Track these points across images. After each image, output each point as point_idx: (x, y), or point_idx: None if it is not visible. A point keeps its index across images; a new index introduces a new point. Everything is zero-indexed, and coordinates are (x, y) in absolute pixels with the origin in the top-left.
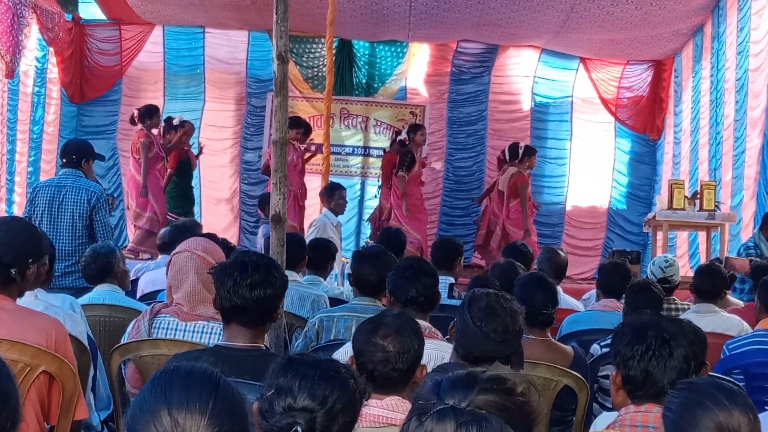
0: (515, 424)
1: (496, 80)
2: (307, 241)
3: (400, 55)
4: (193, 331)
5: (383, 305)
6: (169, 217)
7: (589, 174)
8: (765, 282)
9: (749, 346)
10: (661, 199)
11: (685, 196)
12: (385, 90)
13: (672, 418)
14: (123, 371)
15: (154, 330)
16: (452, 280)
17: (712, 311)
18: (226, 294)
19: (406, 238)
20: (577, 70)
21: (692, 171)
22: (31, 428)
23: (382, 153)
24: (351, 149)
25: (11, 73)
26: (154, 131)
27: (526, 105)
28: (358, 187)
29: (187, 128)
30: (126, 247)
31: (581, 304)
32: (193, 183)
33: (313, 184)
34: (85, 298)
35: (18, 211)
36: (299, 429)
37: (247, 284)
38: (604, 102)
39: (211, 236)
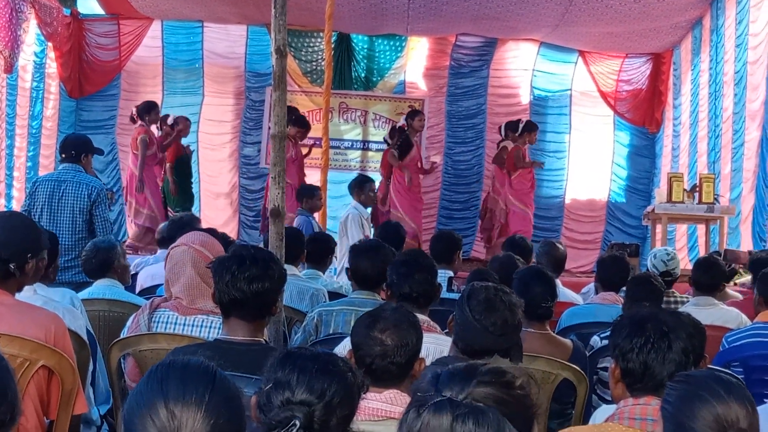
0: (514, 418)
1: (495, 74)
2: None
3: (399, 48)
4: (193, 325)
5: (382, 299)
6: (169, 214)
7: (588, 167)
8: (764, 275)
9: (748, 338)
10: (660, 192)
11: (684, 189)
12: (383, 84)
13: (670, 411)
14: (122, 365)
15: (154, 324)
16: (451, 273)
17: (711, 304)
18: (224, 287)
19: (406, 232)
20: (575, 63)
21: (691, 164)
22: (30, 423)
23: (384, 146)
24: (350, 143)
25: (10, 68)
26: (153, 127)
27: (525, 98)
28: None
29: (182, 126)
30: (125, 242)
31: (580, 297)
32: (192, 179)
33: (312, 177)
34: (84, 293)
35: (17, 206)
36: (297, 423)
37: (245, 278)
38: (603, 95)
39: (211, 231)
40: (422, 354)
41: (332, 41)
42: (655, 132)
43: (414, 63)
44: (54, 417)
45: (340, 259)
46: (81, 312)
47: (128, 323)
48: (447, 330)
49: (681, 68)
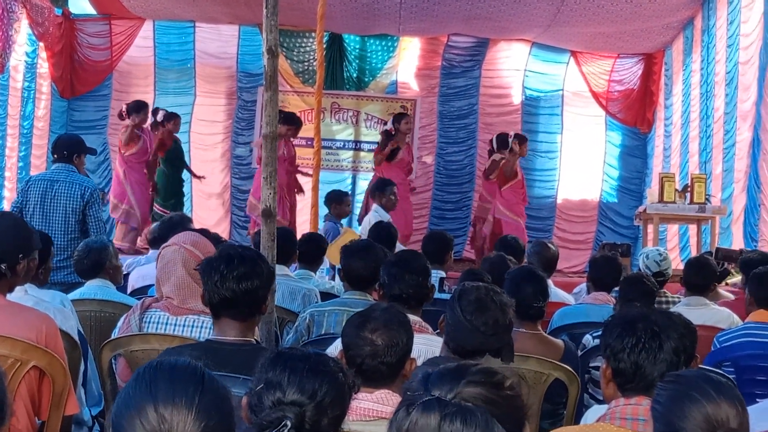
0: (503, 418)
1: (487, 74)
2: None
3: (391, 49)
4: (184, 326)
5: (374, 299)
6: (158, 211)
7: (579, 167)
8: (755, 275)
9: (739, 338)
10: (651, 192)
11: (676, 189)
12: (375, 84)
13: (660, 411)
14: (114, 366)
15: (145, 324)
16: (443, 274)
17: (703, 304)
18: (213, 287)
19: (398, 233)
20: (567, 63)
21: (683, 164)
22: (21, 423)
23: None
24: (342, 143)
25: (1, 68)
26: (144, 126)
27: (517, 98)
28: (349, 181)
29: (173, 124)
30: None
31: (572, 297)
32: (184, 176)
33: (304, 178)
34: (76, 293)
35: (8, 206)
36: (288, 423)
37: (233, 276)
38: (595, 95)
39: (204, 231)
40: (414, 354)
41: (324, 41)
42: (646, 132)
43: (406, 63)
44: (45, 418)
45: None
46: (72, 313)
47: (119, 323)
48: (438, 330)
49: (672, 68)
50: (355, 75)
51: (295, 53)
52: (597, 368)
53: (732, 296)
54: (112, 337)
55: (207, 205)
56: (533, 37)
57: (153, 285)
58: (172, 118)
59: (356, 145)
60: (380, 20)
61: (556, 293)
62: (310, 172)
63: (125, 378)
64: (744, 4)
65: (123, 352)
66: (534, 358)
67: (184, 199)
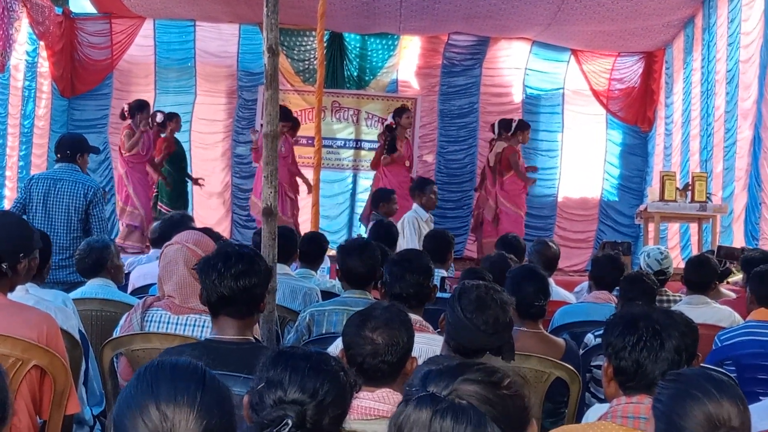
0: (500, 419)
1: (488, 72)
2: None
3: (391, 47)
4: (186, 324)
5: (374, 298)
6: (165, 212)
7: (580, 166)
8: (756, 273)
9: (741, 337)
10: (652, 191)
11: (677, 188)
12: (376, 83)
13: (662, 409)
14: (115, 365)
15: (147, 323)
16: (445, 273)
17: (704, 302)
18: (211, 285)
19: (398, 232)
20: (568, 62)
21: (683, 162)
22: (23, 423)
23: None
24: (342, 142)
25: (2, 67)
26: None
27: (518, 97)
28: (350, 180)
29: (175, 123)
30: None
31: (573, 296)
32: (186, 174)
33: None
34: (77, 292)
35: (8, 205)
36: (290, 422)
37: (231, 274)
38: (596, 94)
39: (207, 230)
40: (415, 353)
41: (324, 40)
42: (647, 131)
43: (406, 62)
44: (46, 417)
45: None
46: (74, 313)
47: (121, 322)
48: (439, 329)
49: (673, 67)
50: (355, 74)
51: (295, 52)
52: (598, 367)
53: (733, 294)
54: (114, 336)
55: (208, 204)
56: (534, 35)
57: (154, 284)
58: (173, 117)
59: (357, 144)
60: (381, 19)
61: (557, 292)
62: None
63: (127, 377)
64: (745, 2)
65: (124, 351)
66: (535, 357)
67: (188, 196)
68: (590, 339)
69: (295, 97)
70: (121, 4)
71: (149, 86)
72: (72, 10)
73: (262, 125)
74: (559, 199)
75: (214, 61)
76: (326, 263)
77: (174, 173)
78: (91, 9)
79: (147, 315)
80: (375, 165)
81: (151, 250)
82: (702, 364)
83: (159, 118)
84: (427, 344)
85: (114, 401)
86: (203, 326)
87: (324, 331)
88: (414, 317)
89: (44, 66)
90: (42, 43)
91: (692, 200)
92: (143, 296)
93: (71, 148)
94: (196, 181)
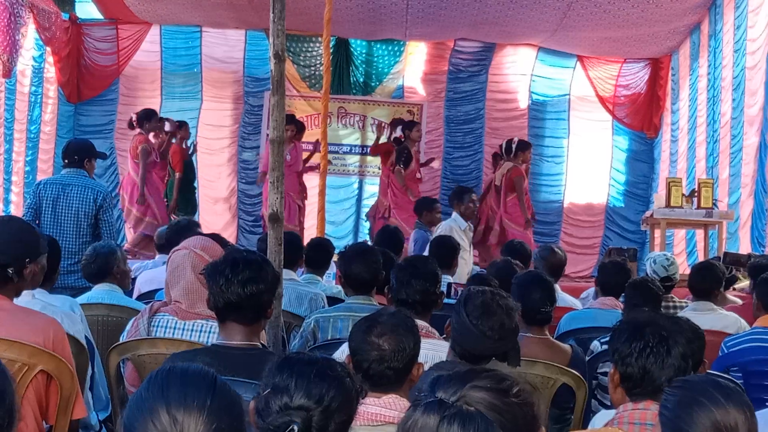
0: (508, 427)
1: (494, 78)
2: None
3: (398, 53)
4: (192, 330)
5: (379, 303)
6: (172, 218)
7: (586, 172)
8: (763, 280)
9: (747, 343)
10: (658, 197)
11: (683, 194)
12: (382, 89)
13: (668, 416)
14: (122, 370)
15: (153, 329)
16: (451, 279)
17: (710, 309)
18: (218, 291)
19: (404, 237)
20: (574, 68)
21: (689, 169)
22: (29, 428)
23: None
24: (348, 148)
25: (8, 72)
26: (152, 135)
27: (524, 103)
28: (356, 185)
29: (183, 133)
30: (122, 246)
31: (579, 302)
32: (195, 183)
33: (311, 183)
34: (83, 298)
35: (15, 210)
36: (295, 428)
37: (239, 281)
38: (602, 100)
39: (215, 236)
40: (421, 359)
41: (331, 46)
42: (653, 137)
43: (412, 68)
44: (53, 422)
45: None
46: (81, 319)
47: (127, 327)
48: (444, 335)
49: (679, 73)
50: (361, 79)
51: (301, 58)
52: (605, 374)
53: (740, 301)
54: (120, 341)
55: (214, 209)
56: (540, 41)
57: (160, 289)
58: (182, 125)
59: (363, 150)
60: (387, 25)
61: (564, 298)
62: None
63: (133, 382)
64: (751, 8)
65: (131, 357)
66: (541, 363)
67: (196, 207)
68: (596, 346)
69: (301, 103)
70: (128, 10)
71: (155, 92)
72: (78, 16)
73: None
74: (565, 205)
75: (221, 66)
76: (332, 269)
77: (183, 183)
78: (97, 15)
79: (154, 320)
80: (374, 150)
81: (158, 256)
82: (708, 371)
83: (168, 126)
84: (433, 350)
85: (120, 406)
86: (210, 332)
87: (329, 337)
88: (420, 323)
89: (50, 71)
90: (48, 48)
91: (698, 206)
92: (149, 301)
93: (78, 153)
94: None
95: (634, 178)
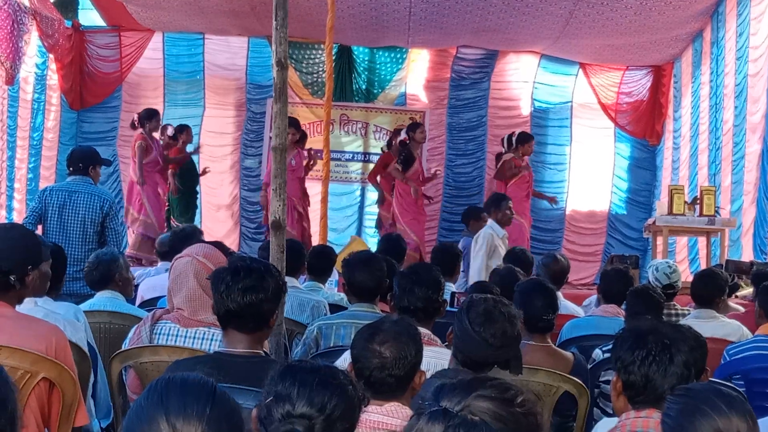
0: None
1: (496, 86)
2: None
3: (400, 60)
4: (194, 338)
5: (382, 311)
6: (175, 226)
7: (588, 179)
8: (765, 287)
9: (749, 351)
10: (661, 205)
11: (685, 202)
12: (384, 96)
13: (671, 424)
14: (124, 378)
15: (156, 336)
16: (454, 288)
17: (712, 317)
18: (219, 298)
19: (407, 245)
20: (576, 75)
21: (692, 176)
22: None
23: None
24: (351, 155)
25: (11, 79)
26: (155, 135)
27: (526, 110)
28: (358, 193)
29: (185, 138)
30: (124, 253)
31: (581, 309)
32: (197, 187)
33: (313, 190)
34: (85, 305)
35: (18, 217)
36: None
37: (238, 289)
38: (604, 107)
39: (218, 244)
40: (423, 367)
41: (333, 53)
42: (655, 144)
43: (415, 75)
44: (55, 429)
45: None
46: (85, 327)
47: (130, 335)
48: (447, 342)
49: (681, 81)
50: (364, 87)
51: (304, 65)
52: (607, 382)
53: (742, 308)
54: (123, 348)
55: (216, 216)
56: (542, 49)
57: (162, 296)
58: (184, 129)
59: (365, 157)
60: (389, 32)
61: (566, 305)
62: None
63: (135, 390)
64: (753, 16)
65: (133, 364)
66: (543, 371)
67: (196, 211)
68: (598, 354)
69: (304, 110)
70: (131, 17)
71: (158, 99)
72: (81, 23)
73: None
74: (567, 213)
75: (223, 74)
76: (334, 276)
77: (182, 186)
78: (100, 22)
79: (156, 328)
80: (372, 178)
81: (160, 263)
82: (711, 379)
83: (170, 131)
84: (435, 358)
85: (122, 414)
86: (212, 339)
87: (332, 345)
88: (422, 331)
89: (53, 78)
90: (51, 55)
91: (701, 214)
92: (152, 309)
93: (83, 161)
94: (203, 171)
95: (636, 186)
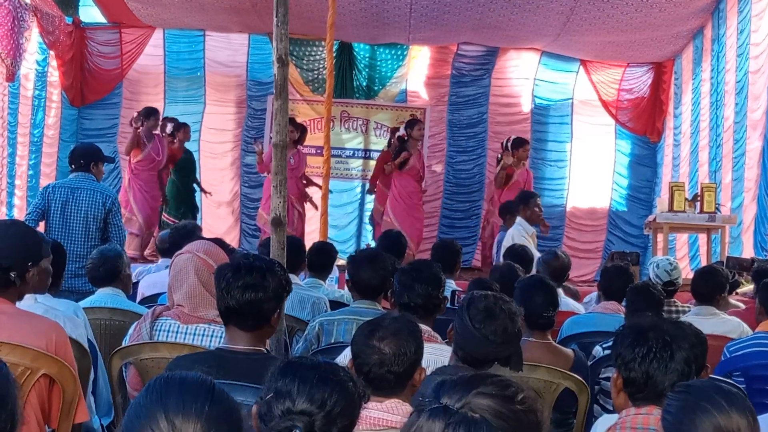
0: None
1: (497, 83)
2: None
3: (401, 57)
4: (195, 334)
5: (383, 308)
6: (167, 220)
7: (589, 176)
8: (766, 284)
9: (750, 348)
10: (661, 202)
11: (686, 199)
12: (385, 93)
13: (671, 421)
14: (124, 374)
15: (156, 333)
16: (455, 286)
17: (713, 314)
18: (220, 295)
19: (407, 241)
20: (577, 72)
21: (692, 173)
22: (32, 431)
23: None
24: (351, 152)
25: (12, 76)
26: (155, 132)
27: (527, 107)
28: (359, 189)
29: (182, 136)
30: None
31: (582, 306)
32: (194, 184)
33: (312, 188)
34: (86, 302)
35: (19, 214)
36: None
37: (238, 286)
38: (605, 104)
39: (218, 241)
40: (423, 364)
41: (334, 50)
42: (656, 141)
43: (415, 72)
44: (55, 426)
45: None
46: (84, 323)
47: (130, 332)
48: (447, 339)
49: (682, 77)
50: (364, 84)
51: (305, 62)
52: (607, 379)
53: (742, 305)
54: (123, 345)
55: (217, 213)
56: (543, 46)
57: (163, 293)
58: (182, 127)
59: (366, 154)
60: (390, 29)
61: (566, 302)
62: (320, 182)
63: (135, 386)
64: (754, 13)
65: (133, 361)
66: (543, 368)
67: (197, 212)
68: (598, 351)
69: (305, 107)
70: (131, 14)
71: (159, 96)
72: (82, 20)
73: (270, 137)
74: (568, 209)
75: (224, 70)
76: (334, 273)
77: (178, 182)
78: (101, 19)
79: (156, 324)
80: (374, 181)
81: (160, 260)
82: (711, 376)
83: (169, 128)
84: (435, 354)
85: (123, 410)
86: (212, 336)
87: (333, 341)
88: (423, 327)
89: (54, 75)
90: (52, 52)
91: (701, 211)
92: (152, 305)
93: (84, 157)
94: (205, 191)
95: (636, 183)
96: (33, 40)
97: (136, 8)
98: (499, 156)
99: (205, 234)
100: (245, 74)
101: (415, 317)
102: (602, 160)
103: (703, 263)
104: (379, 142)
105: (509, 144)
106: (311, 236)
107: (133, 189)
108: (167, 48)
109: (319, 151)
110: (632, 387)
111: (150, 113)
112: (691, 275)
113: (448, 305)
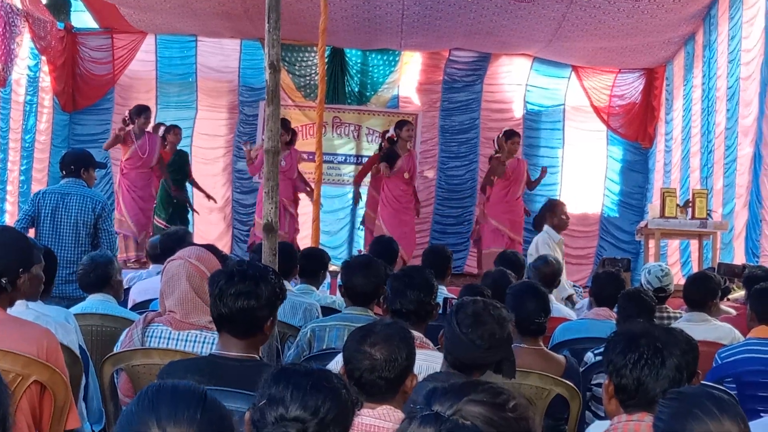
0: None
1: (489, 89)
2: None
3: (393, 63)
4: (186, 340)
5: (375, 314)
6: (158, 224)
7: (581, 182)
8: (756, 291)
9: (741, 354)
10: (653, 207)
11: (677, 204)
12: (377, 98)
13: (662, 428)
14: (115, 381)
15: (147, 339)
16: (445, 291)
17: (704, 320)
18: (213, 302)
19: (399, 247)
20: (569, 78)
21: (684, 179)
22: None
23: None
24: (343, 158)
25: (3, 81)
26: (146, 131)
27: (519, 113)
28: (350, 195)
29: (172, 138)
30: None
31: (574, 312)
32: (187, 189)
33: (303, 195)
34: (77, 308)
35: (10, 220)
36: None
37: (231, 294)
38: (596, 110)
39: (210, 247)
40: (415, 370)
41: (326, 56)
42: (647, 147)
43: (407, 78)
44: None
45: None
46: (76, 330)
47: (122, 338)
48: (438, 345)
49: (674, 83)
50: (356, 89)
51: (296, 67)
52: (599, 385)
53: (734, 311)
54: (114, 351)
55: (208, 219)
56: (535, 51)
57: (154, 299)
58: (170, 129)
59: (358, 160)
60: (382, 35)
61: (558, 308)
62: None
63: (127, 393)
64: (745, 19)
65: (125, 367)
66: (535, 374)
67: (188, 214)
68: (590, 357)
69: (296, 113)
70: (123, 19)
71: (150, 101)
72: (74, 25)
73: (262, 140)
74: None
75: (216, 76)
76: (327, 278)
77: (166, 183)
78: (92, 24)
79: (148, 330)
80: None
81: (152, 266)
82: (702, 382)
83: (161, 131)
84: (427, 361)
85: (114, 417)
86: (204, 342)
87: (324, 347)
88: (415, 334)
89: (46, 81)
90: (44, 57)
91: (693, 217)
92: (143, 311)
93: (75, 163)
94: (209, 197)
95: (628, 189)
96: (25, 45)
97: (128, 14)
98: (495, 148)
99: (197, 239)
100: (237, 80)
101: (407, 323)
102: (594, 166)
103: (695, 269)
104: (371, 148)
105: (501, 137)
106: (303, 242)
107: (122, 189)
108: (159, 53)
109: (311, 157)
110: (624, 393)
111: (141, 111)
112: (682, 281)
113: (440, 312)
